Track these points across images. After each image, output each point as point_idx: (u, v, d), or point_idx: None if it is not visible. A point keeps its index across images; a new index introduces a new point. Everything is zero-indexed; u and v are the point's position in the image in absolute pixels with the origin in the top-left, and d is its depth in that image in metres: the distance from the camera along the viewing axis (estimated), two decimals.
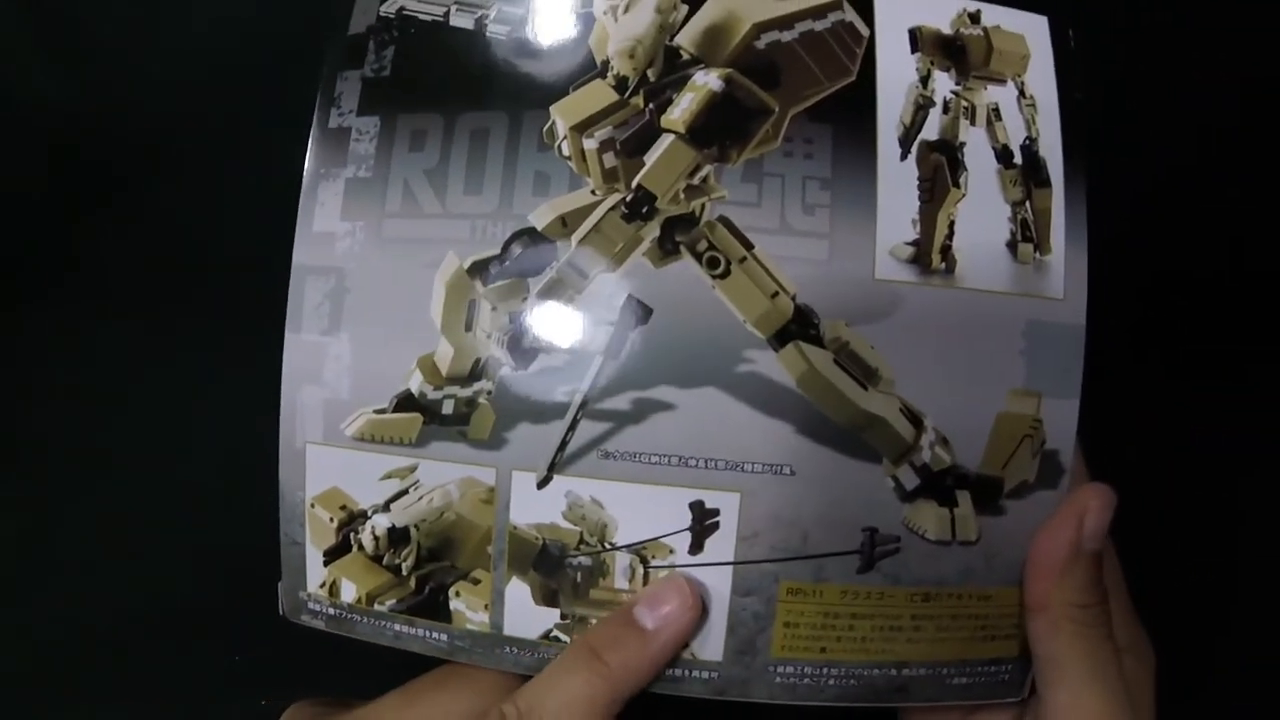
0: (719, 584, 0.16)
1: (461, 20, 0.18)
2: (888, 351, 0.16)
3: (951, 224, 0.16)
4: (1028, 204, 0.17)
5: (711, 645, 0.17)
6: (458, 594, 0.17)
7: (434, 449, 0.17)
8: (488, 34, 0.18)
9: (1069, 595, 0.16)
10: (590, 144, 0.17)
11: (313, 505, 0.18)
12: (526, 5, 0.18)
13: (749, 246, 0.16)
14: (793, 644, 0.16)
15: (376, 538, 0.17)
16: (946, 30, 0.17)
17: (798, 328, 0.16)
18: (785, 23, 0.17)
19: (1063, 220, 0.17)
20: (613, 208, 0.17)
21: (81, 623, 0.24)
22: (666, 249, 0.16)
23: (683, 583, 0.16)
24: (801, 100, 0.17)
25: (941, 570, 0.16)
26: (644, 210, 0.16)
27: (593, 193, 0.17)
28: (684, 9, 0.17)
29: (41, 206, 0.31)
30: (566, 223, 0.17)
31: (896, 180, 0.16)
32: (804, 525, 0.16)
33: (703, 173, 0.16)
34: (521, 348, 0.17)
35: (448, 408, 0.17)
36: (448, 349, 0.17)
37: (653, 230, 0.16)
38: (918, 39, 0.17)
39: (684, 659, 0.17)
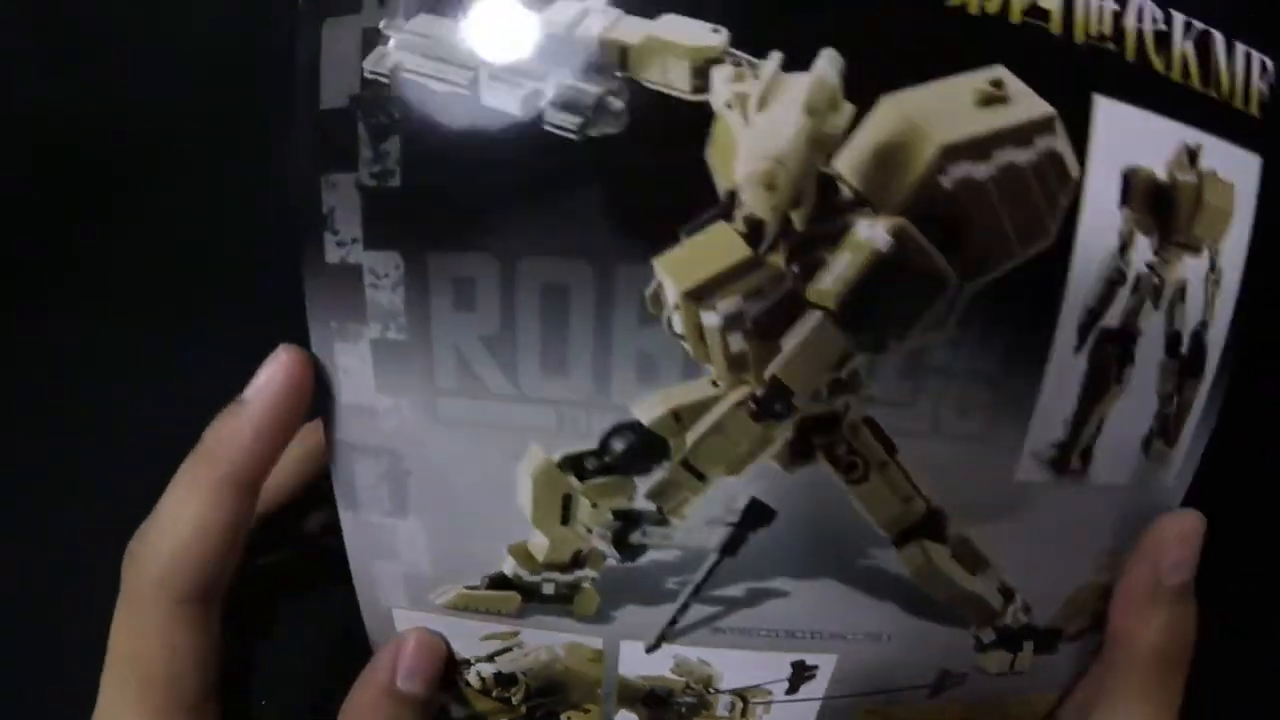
0: (808, 712, 0.18)
1: (499, 97, 0.12)
2: (1003, 544, 0.15)
3: (1101, 423, 0.14)
4: (1176, 397, 0.14)
5: None
6: (568, 719, 0.19)
7: (536, 620, 0.16)
8: (547, 126, 0.12)
9: (1150, 635, 0.16)
10: (711, 320, 0.13)
11: None
12: (602, 81, 0.12)
13: (892, 451, 0.14)
14: None
15: (483, 678, 0.18)
16: (1162, 175, 0.13)
17: (924, 528, 0.15)
18: (981, 149, 0.12)
19: (1200, 413, 0.15)
20: (739, 404, 0.13)
21: (81, 623, 0.24)
22: (799, 452, 0.14)
23: (283, 348, 0.15)
24: (985, 271, 0.13)
25: (993, 690, 0.18)
26: (777, 408, 0.13)
27: (714, 384, 0.13)
28: (848, 110, 0.12)
29: (41, 207, 0.31)
30: (681, 419, 0.14)
31: (1064, 377, 0.14)
32: (890, 673, 0.17)
33: (852, 365, 0.13)
34: (629, 544, 0.15)
35: (548, 589, 0.16)
36: (543, 540, 0.15)
37: (785, 432, 0.14)
38: (1130, 186, 0.13)
39: None
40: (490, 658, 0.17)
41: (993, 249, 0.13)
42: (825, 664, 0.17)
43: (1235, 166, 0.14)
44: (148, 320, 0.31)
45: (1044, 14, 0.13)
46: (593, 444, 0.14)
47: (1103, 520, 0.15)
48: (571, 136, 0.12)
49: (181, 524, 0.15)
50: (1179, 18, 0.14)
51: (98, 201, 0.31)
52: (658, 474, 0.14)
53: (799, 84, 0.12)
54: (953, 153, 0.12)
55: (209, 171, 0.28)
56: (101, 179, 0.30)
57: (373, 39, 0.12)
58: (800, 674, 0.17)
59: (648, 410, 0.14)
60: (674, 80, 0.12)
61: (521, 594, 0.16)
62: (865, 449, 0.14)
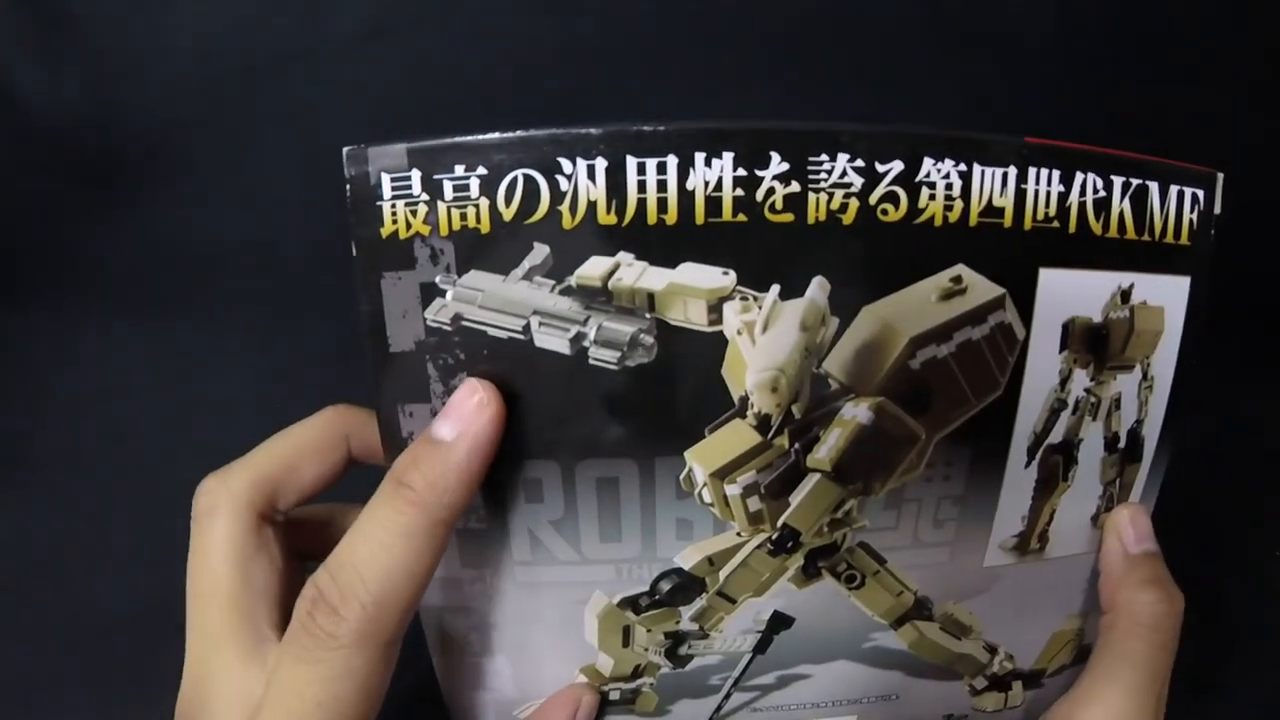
0: None
1: (551, 340, 0.15)
2: (981, 613, 0.19)
3: (1053, 513, 0.18)
4: (1118, 481, 0.18)
5: None
6: None
7: (608, 719, 0.19)
8: (591, 361, 0.15)
9: (1130, 592, 0.17)
10: (733, 491, 0.16)
11: None
12: (633, 322, 0.15)
13: (883, 563, 0.17)
14: None
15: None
16: (1097, 319, 0.16)
17: (915, 613, 0.18)
18: (944, 333, 0.15)
19: (1142, 485, 0.18)
20: (759, 546, 0.17)
21: (81, 623, 0.25)
22: (809, 573, 0.17)
23: (474, 383, 0.15)
24: (948, 423, 0.16)
25: None
26: (789, 546, 0.17)
27: (738, 534, 0.17)
28: (834, 323, 0.15)
29: (41, 206, 0.30)
30: (714, 562, 0.17)
31: (1017, 485, 0.17)
32: None
33: (846, 506, 0.16)
34: (678, 655, 0.18)
35: (614, 695, 0.19)
36: (608, 660, 0.18)
37: (797, 561, 0.17)
38: (1069, 333, 0.16)
39: None
40: None
41: (954, 407, 0.16)
42: None
43: (1166, 292, 0.17)
44: (148, 320, 0.30)
45: (998, 212, 0.15)
46: (645, 587, 0.17)
47: (1066, 582, 0.19)
48: (612, 368, 0.15)
49: (393, 571, 0.15)
50: (1118, 181, 0.16)
51: (98, 201, 0.30)
52: (698, 603, 0.17)
53: (794, 308, 0.15)
54: (919, 341, 0.15)
55: (209, 171, 0.28)
56: (102, 179, 0.30)
57: (430, 292, 0.15)
58: None
59: (687, 558, 0.17)
60: (693, 317, 0.15)
61: None
62: (861, 565, 0.17)
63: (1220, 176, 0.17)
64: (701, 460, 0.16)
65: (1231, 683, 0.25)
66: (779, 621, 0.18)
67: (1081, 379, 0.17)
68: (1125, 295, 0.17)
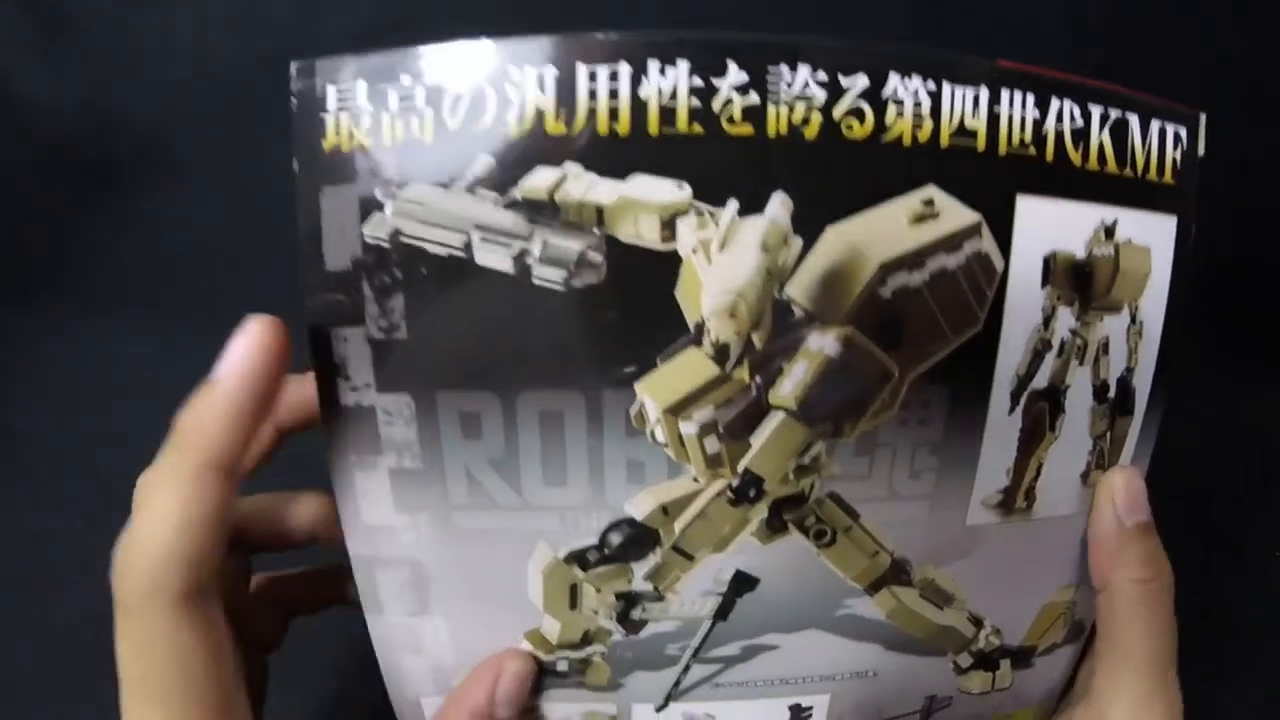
0: None
1: (493, 257, 0.14)
2: (964, 580, 0.17)
3: (1040, 467, 0.17)
4: (1109, 434, 0.17)
5: None
6: None
7: (554, 694, 0.18)
8: (535, 280, 0.14)
9: (1125, 571, 0.17)
10: (689, 429, 0.15)
11: None
12: (581, 237, 0.14)
13: (855, 517, 0.16)
14: None
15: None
16: (1080, 254, 0.15)
17: (892, 576, 0.17)
18: (916, 259, 0.14)
19: (1134, 443, 0.17)
20: (718, 494, 0.15)
21: (81, 623, 0.25)
22: (774, 527, 0.16)
23: (252, 319, 0.14)
24: (923, 359, 0.15)
25: (979, 710, 0.20)
26: (751, 494, 0.16)
27: (695, 480, 0.15)
28: (797, 244, 0.14)
29: (41, 206, 0.30)
30: (669, 511, 0.16)
31: (1001, 434, 0.16)
32: (880, 705, 0.19)
33: (814, 451, 0.15)
34: (630, 619, 0.17)
35: (562, 666, 0.17)
36: (554, 624, 0.17)
37: (760, 512, 0.16)
38: (1051, 268, 0.15)
39: None
40: None
41: (929, 341, 0.15)
42: (819, 704, 0.19)
43: (1151, 231, 0.16)
44: (148, 320, 0.30)
45: (971, 134, 0.14)
46: (593, 540, 0.16)
47: (1056, 547, 0.18)
48: (558, 288, 0.14)
49: (163, 522, 0.14)
50: (1096, 110, 0.15)
51: (98, 201, 0.30)
52: (652, 559, 0.16)
53: (754, 226, 0.14)
54: (890, 267, 0.14)
55: (209, 171, 0.28)
56: (102, 179, 0.30)
57: (369, 206, 0.14)
58: (797, 715, 0.19)
59: (639, 506, 0.15)
60: (645, 233, 0.14)
61: (539, 671, 0.18)
62: (831, 519, 0.16)
63: (1203, 116, 0.16)
64: (654, 393, 0.14)
65: (1231, 683, 0.25)
66: (742, 582, 0.16)
67: (1066, 319, 0.16)
68: (1109, 231, 0.16)
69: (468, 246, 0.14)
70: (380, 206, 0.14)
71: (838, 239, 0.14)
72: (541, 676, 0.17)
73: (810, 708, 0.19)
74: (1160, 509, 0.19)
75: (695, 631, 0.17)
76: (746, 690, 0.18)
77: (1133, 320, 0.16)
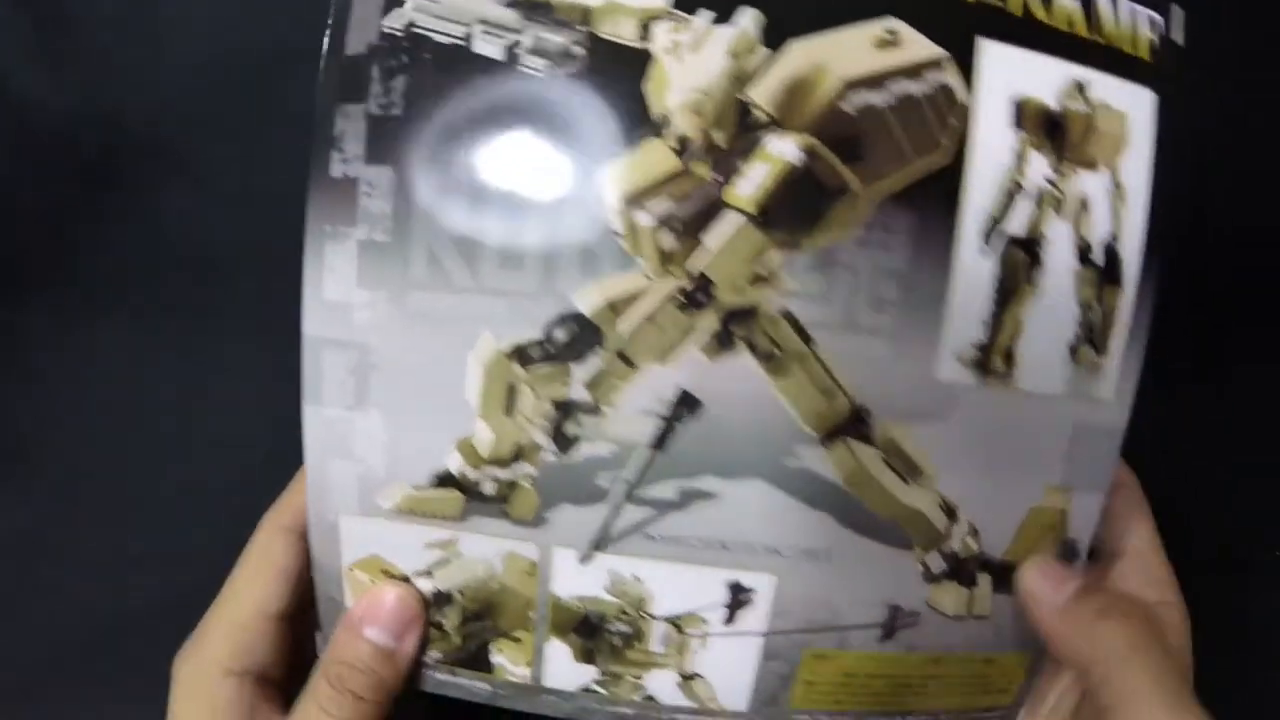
0: (749, 650, 0.17)
1: (488, 47, 0.16)
2: (935, 449, 0.16)
3: (1020, 325, 0.16)
4: (1097, 304, 0.16)
5: (738, 698, 0.18)
6: (500, 650, 0.18)
7: (475, 523, 0.17)
8: (521, 67, 0.16)
9: (1087, 643, 0.16)
10: (645, 219, 0.15)
11: (351, 569, 0.18)
12: (567, 33, 0.15)
13: (810, 343, 0.15)
14: (811, 698, 0.18)
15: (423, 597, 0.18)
16: (1052, 104, 0.16)
17: (850, 427, 0.16)
18: (878, 81, 0.15)
19: (1128, 323, 0.16)
20: (668, 297, 0.15)
21: (82, 623, 0.24)
22: (723, 342, 0.15)
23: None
24: (885, 179, 0.15)
25: (953, 640, 0.17)
26: (701, 300, 0.15)
27: (646, 276, 0.15)
28: (762, 53, 0.15)
29: (40, 207, 0.31)
30: (616, 309, 0.16)
31: (973, 277, 0.15)
32: (834, 603, 0.17)
33: (769, 261, 0.15)
34: (564, 435, 0.16)
35: (488, 488, 0.16)
36: (487, 432, 0.16)
37: (710, 323, 0.15)
38: (1022, 112, 0.15)
39: (711, 709, 0.18)
40: (429, 571, 0.17)
41: (890, 161, 0.15)
42: (763, 587, 0.17)
43: (1127, 99, 0.16)
44: (148, 320, 0.30)
45: None
46: (538, 334, 0.16)
47: (1042, 432, 0.16)
48: (539, 75, 0.15)
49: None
50: None
51: (98, 201, 0.29)
52: (593, 362, 0.16)
53: (724, 34, 0.15)
54: (853, 84, 0.15)
55: (209, 171, 0.28)
56: (101, 179, 0.29)
57: (392, 3, 0.16)
58: (737, 597, 0.17)
59: (587, 299, 0.15)
60: (624, 33, 0.15)
61: (463, 493, 0.16)
62: (784, 340, 0.15)
63: (1180, 12, 0.17)
64: (615, 180, 0.15)
65: (1232, 683, 0.22)
66: (685, 403, 0.15)
67: (1040, 166, 0.16)
68: (1081, 88, 0.16)
69: (468, 37, 0.16)
70: (401, 3, 0.16)
71: (803, 52, 0.15)
72: (467, 500, 0.16)
73: (751, 590, 0.16)
74: (1160, 509, 0.18)
75: (629, 461, 0.16)
76: (680, 550, 0.16)
77: (1115, 184, 0.16)
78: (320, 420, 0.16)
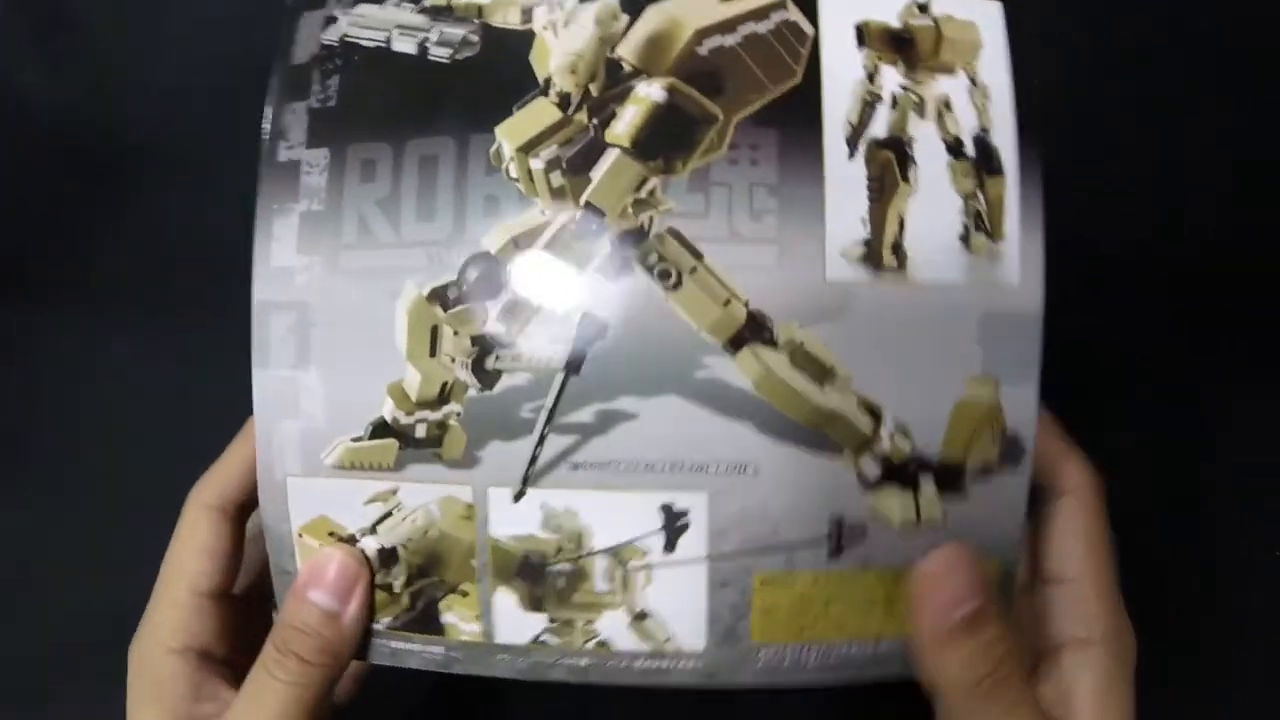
0: (696, 579, 0.17)
1: (403, 45, 0.18)
2: (843, 350, 0.16)
3: (902, 220, 0.16)
4: (980, 194, 0.17)
5: (694, 635, 0.17)
6: (449, 607, 0.18)
7: (412, 471, 0.18)
8: (430, 58, 0.18)
9: (957, 672, 0.16)
10: (536, 164, 0.17)
11: (300, 535, 0.18)
12: (465, 26, 0.18)
13: (699, 256, 0.16)
14: (771, 628, 0.17)
15: (368, 559, 0.18)
16: (894, 24, 0.17)
17: (752, 333, 0.16)
18: (727, 26, 0.17)
19: (1017, 207, 0.17)
20: (563, 227, 0.17)
21: (81, 624, 0.24)
22: (619, 265, 0.17)
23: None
24: (747, 105, 0.17)
25: (910, 552, 0.17)
26: (593, 227, 0.17)
27: (542, 212, 0.17)
28: (625, 19, 0.17)
29: (41, 207, 0.30)
30: (519, 244, 0.17)
31: (844, 181, 0.16)
32: (772, 519, 0.17)
33: (649, 185, 0.17)
34: (485, 369, 0.17)
35: (420, 431, 0.17)
36: (415, 375, 0.17)
37: (604, 247, 0.17)
38: (864, 34, 0.17)
39: (668, 650, 0.18)
40: (373, 529, 0.18)
41: (749, 90, 0.17)
42: (697, 507, 0.16)
43: (974, 11, 0.17)
44: (147, 322, 0.30)
45: None
46: (454, 276, 0.17)
47: (949, 325, 0.16)
48: (444, 61, 0.18)
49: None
50: None
51: (98, 201, 0.30)
52: (504, 296, 0.17)
53: (590, 8, 0.18)
54: (704, 32, 0.17)
55: (208, 172, 0.28)
56: (101, 179, 0.29)
57: (329, 21, 0.19)
58: (673, 523, 0.17)
59: (494, 239, 0.17)
60: (510, 19, 0.18)
61: (399, 439, 0.17)
62: (674, 257, 0.16)
63: None
64: (509, 135, 0.17)
65: (1232, 683, 0.23)
66: (591, 326, 0.16)
67: (893, 76, 0.17)
68: (923, 7, 0.17)
69: (388, 40, 0.19)
70: (335, 20, 0.19)
71: (657, 13, 0.17)
72: (401, 449, 0.17)
73: (686, 511, 0.16)
74: (1160, 509, 0.19)
75: (549, 389, 0.16)
76: (608, 476, 0.16)
77: (974, 83, 0.17)
78: (267, 382, 0.18)
